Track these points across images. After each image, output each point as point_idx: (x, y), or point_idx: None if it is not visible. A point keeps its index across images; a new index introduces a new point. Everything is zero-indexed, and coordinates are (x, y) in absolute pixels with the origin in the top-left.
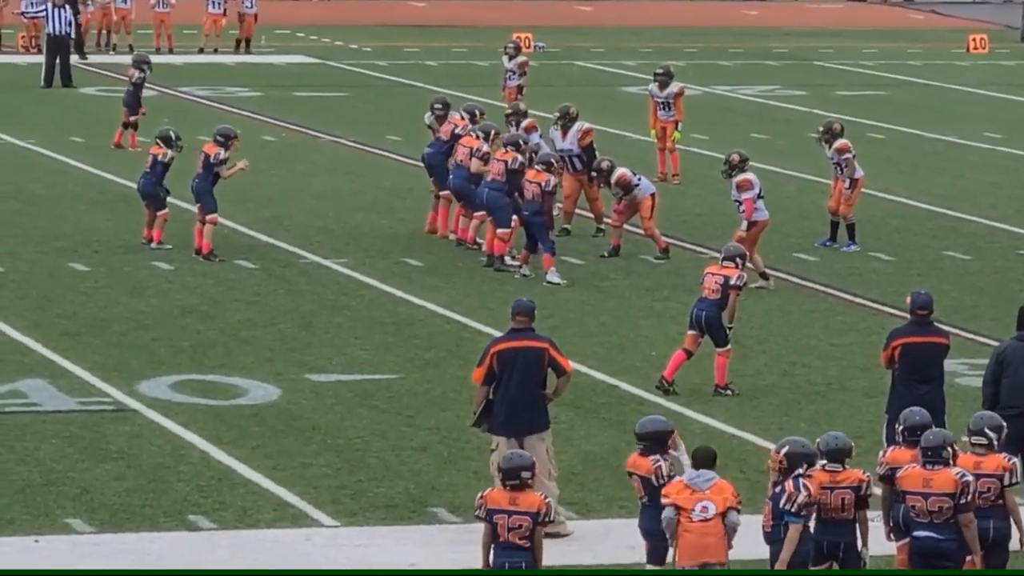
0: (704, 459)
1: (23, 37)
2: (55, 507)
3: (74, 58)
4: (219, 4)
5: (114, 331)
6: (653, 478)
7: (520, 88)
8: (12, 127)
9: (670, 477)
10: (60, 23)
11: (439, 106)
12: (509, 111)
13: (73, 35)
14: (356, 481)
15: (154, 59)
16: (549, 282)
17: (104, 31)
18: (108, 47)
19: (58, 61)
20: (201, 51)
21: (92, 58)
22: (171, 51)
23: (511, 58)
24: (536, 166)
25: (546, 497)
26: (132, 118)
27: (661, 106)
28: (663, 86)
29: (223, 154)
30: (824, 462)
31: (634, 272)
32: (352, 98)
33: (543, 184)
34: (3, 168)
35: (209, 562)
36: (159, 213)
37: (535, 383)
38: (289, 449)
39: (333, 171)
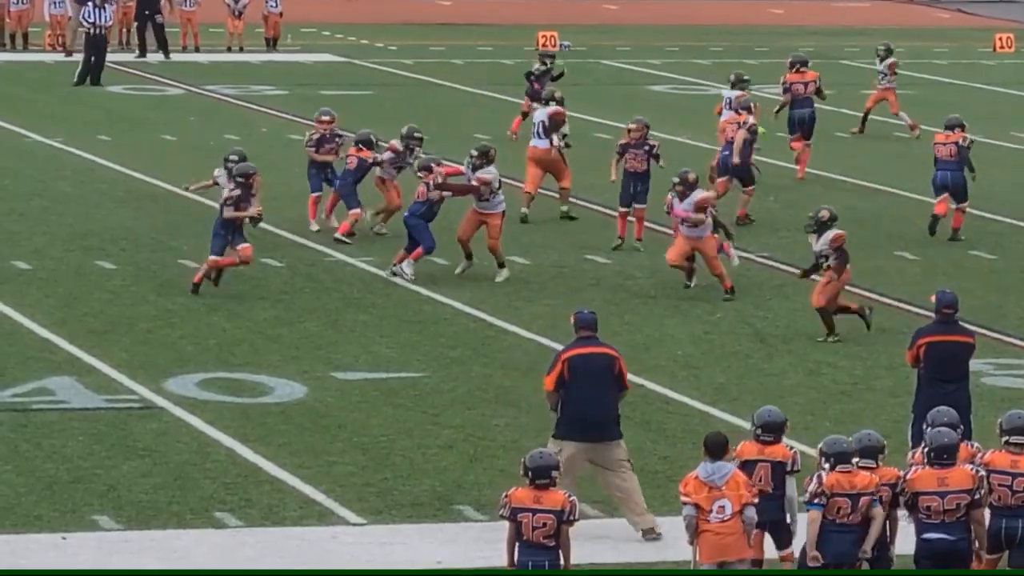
0: (717, 447)
1: (49, 36)
2: (82, 504)
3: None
4: (236, 10)
5: (141, 329)
6: (790, 463)
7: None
8: (39, 125)
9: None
10: (100, 20)
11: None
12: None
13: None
14: (382, 479)
15: (180, 57)
16: (400, 272)
17: (125, 29)
18: (128, 45)
19: (93, 60)
20: (228, 49)
21: (117, 56)
22: (197, 49)
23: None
24: (419, 173)
25: (570, 495)
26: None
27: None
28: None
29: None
30: (857, 460)
31: (659, 271)
32: (378, 96)
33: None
34: (30, 166)
35: (236, 560)
36: (351, 212)
37: (607, 390)
38: (315, 447)
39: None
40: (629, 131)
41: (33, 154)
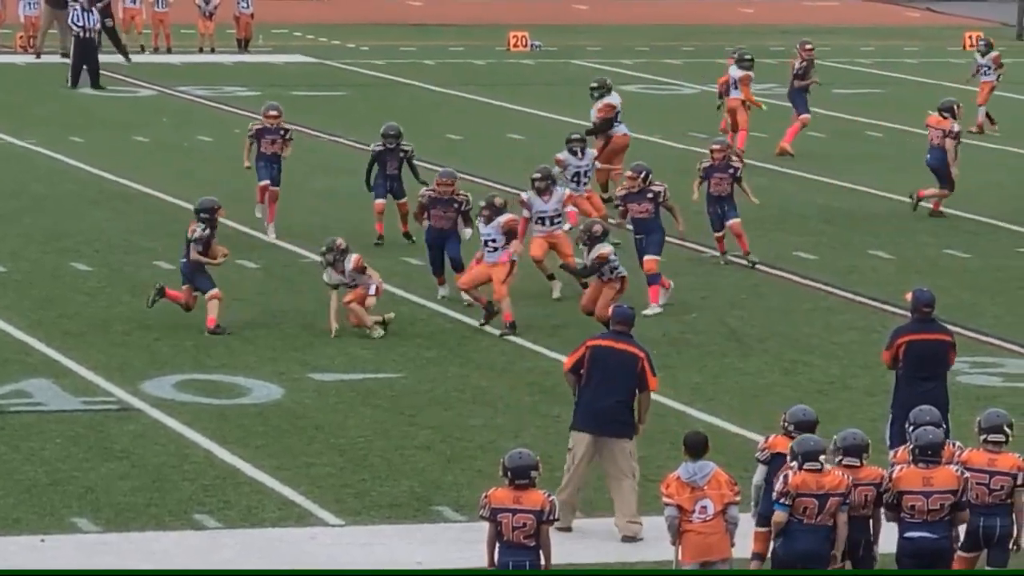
0: (697, 446)
1: (21, 37)
2: (61, 506)
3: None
4: (207, 11)
5: (117, 331)
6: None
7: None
8: (12, 127)
9: None
10: (90, 24)
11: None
12: (574, 135)
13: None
14: (360, 480)
15: (153, 59)
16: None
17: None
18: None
19: (87, 64)
20: (200, 51)
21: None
22: (169, 51)
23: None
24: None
25: (550, 495)
26: None
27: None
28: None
29: (199, 232)
30: (840, 458)
31: (634, 270)
32: (350, 97)
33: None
34: (3, 168)
35: (215, 561)
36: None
37: (625, 388)
38: (293, 448)
39: (332, 170)
40: (712, 152)
41: (6, 156)
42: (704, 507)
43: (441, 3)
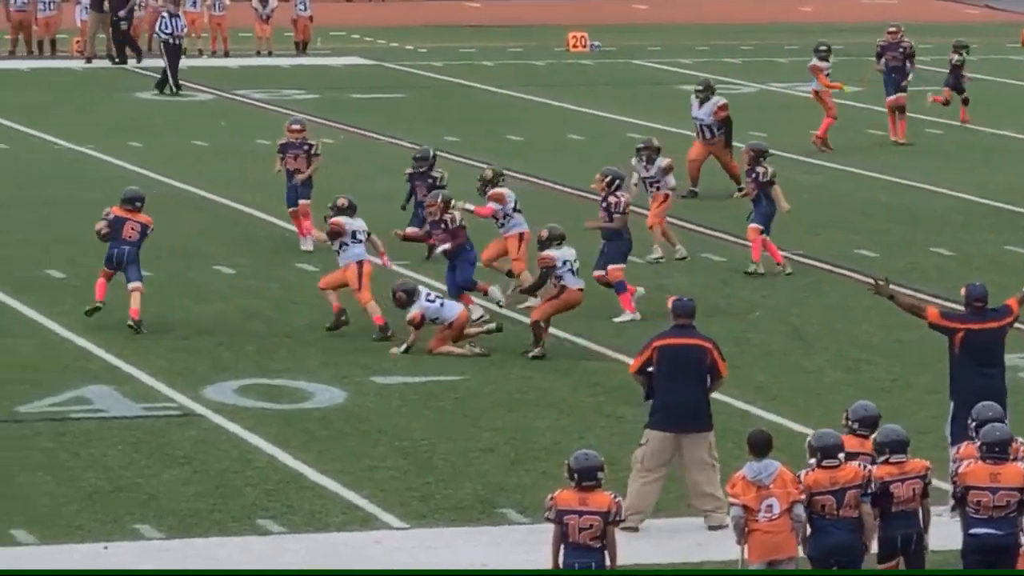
0: (761, 445)
1: (78, 42)
2: (123, 513)
3: (131, 62)
4: (264, 15)
5: (177, 336)
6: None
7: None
8: (69, 132)
9: None
10: (176, 29)
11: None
12: (641, 145)
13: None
14: (424, 483)
15: (211, 63)
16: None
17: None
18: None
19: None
20: (257, 54)
21: (147, 63)
22: (227, 54)
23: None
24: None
25: (616, 496)
26: None
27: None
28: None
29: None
30: (887, 456)
31: (696, 270)
32: (408, 99)
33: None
34: (61, 174)
35: (279, 566)
36: None
37: (699, 382)
38: (356, 452)
39: (391, 172)
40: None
41: (63, 161)
42: (770, 506)
43: (500, 4)
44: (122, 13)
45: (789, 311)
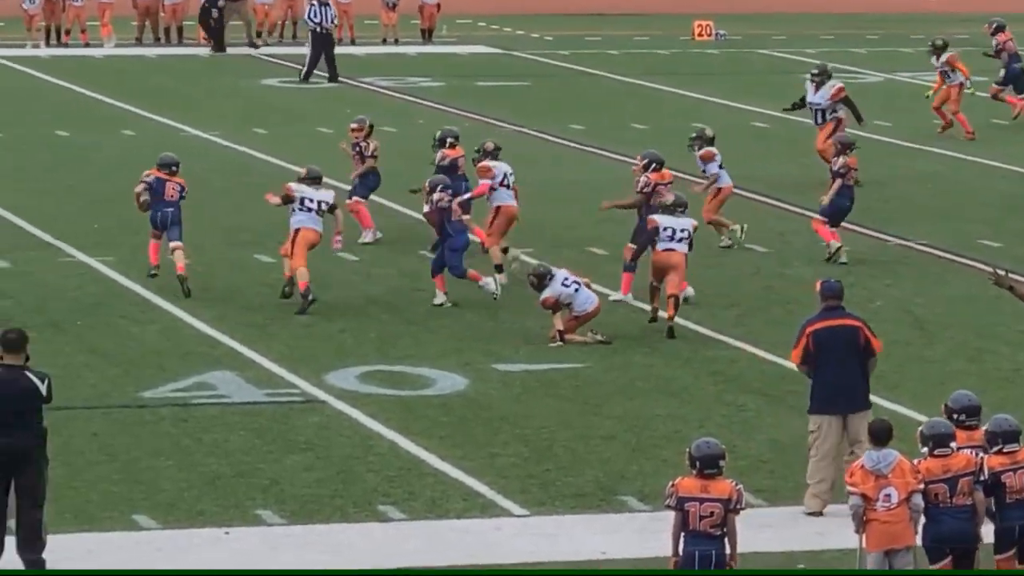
0: (881, 435)
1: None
2: (245, 499)
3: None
4: (390, 2)
5: (300, 322)
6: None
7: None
8: (195, 119)
9: None
10: (326, 19)
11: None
12: (693, 135)
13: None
14: (544, 470)
15: (337, 50)
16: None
17: (291, 22)
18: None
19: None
20: (384, 41)
21: (272, 49)
22: (353, 42)
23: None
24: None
25: (737, 484)
26: None
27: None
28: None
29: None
30: (1000, 445)
31: (819, 259)
32: (533, 87)
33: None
34: (187, 160)
35: (400, 553)
36: None
37: (855, 361)
38: (477, 439)
39: (517, 161)
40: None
41: (190, 148)
42: (888, 495)
43: None
44: (220, 3)
45: (911, 301)
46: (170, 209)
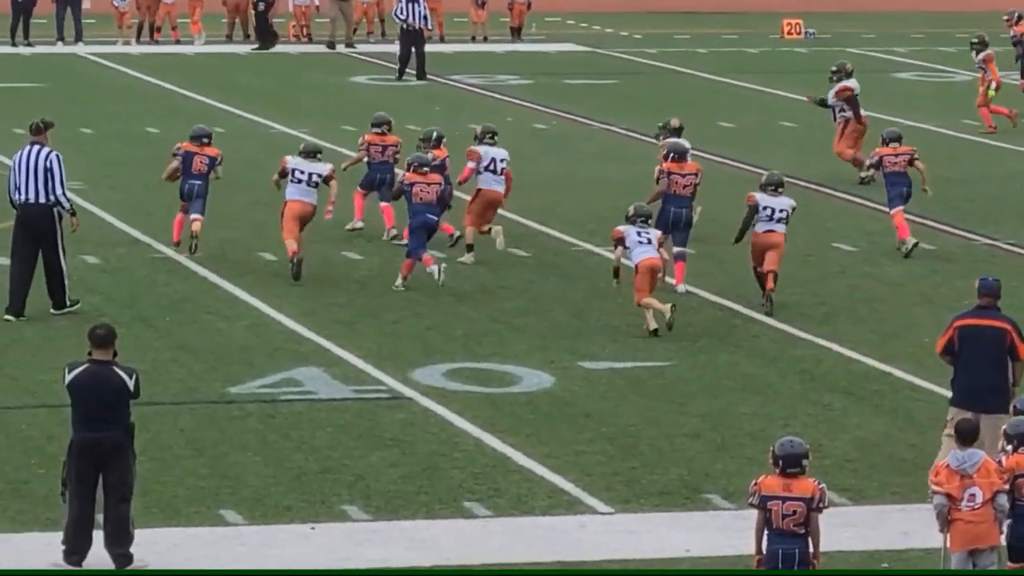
0: (968, 435)
1: (294, 26)
2: (331, 494)
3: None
4: (480, 1)
5: (388, 319)
6: None
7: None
8: (285, 116)
9: None
10: (414, 16)
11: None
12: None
13: (429, 27)
14: (629, 468)
15: (426, 48)
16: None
17: (379, 20)
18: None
19: (413, 52)
20: (472, 39)
21: (362, 47)
22: (442, 39)
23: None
24: (423, 169)
25: (820, 483)
26: None
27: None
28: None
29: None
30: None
31: (907, 258)
32: (622, 85)
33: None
34: (276, 157)
35: (485, 549)
36: None
37: (995, 362)
38: (563, 436)
39: (604, 158)
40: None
41: (278, 145)
42: (972, 495)
43: None
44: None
45: (1004, 300)
46: (197, 182)
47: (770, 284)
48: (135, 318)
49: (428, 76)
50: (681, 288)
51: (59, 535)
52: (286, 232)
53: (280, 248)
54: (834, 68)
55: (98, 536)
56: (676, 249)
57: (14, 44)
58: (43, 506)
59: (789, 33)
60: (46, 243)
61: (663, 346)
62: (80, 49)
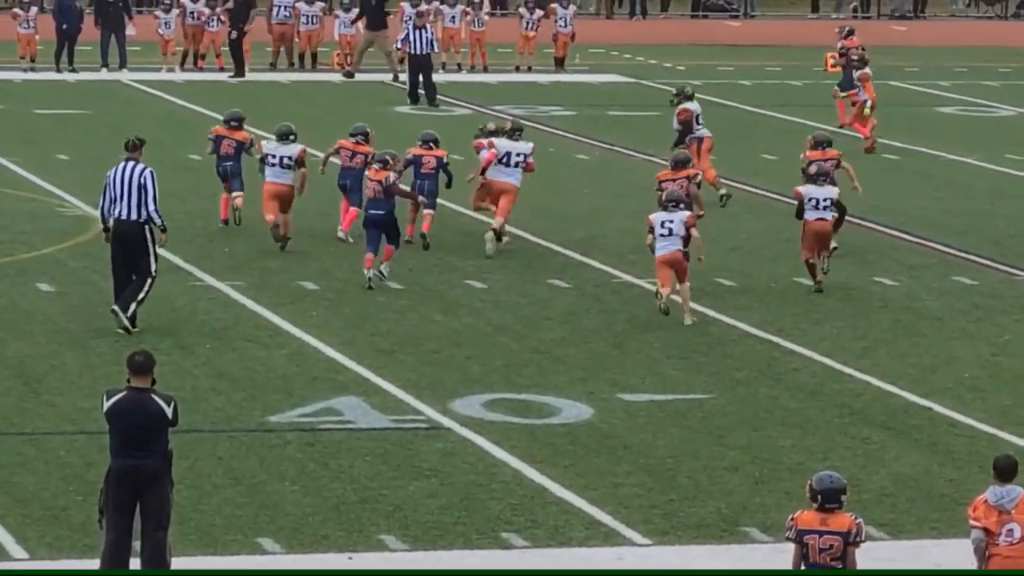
0: (1007, 470)
1: (338, 55)
2: (369, 524)
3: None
4: (532, 24)
5: (428, 349)
6: None
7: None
8: (327, 145)
9: None
10: (421, 43)
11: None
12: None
13: (435, 50)
14: (667, 500)
15: (470, 78)
16: (380, 273)
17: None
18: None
19: (421, 79)
20: (516, 69)
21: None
22: (486, 69)
23: None
24: (374, 165)
25: (857, 518)
26: None
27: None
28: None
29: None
30: None
31: (947, 292)
32: (665, 117)
33: (384, 181)
34: (319, 186)
35: None
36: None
37: None
38: (601, 468)
39: (647, 190)
40: None
41: (322, 174)
42: (1011, 531)
43: (758, 23)
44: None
45: None
46: (229, 163)
47: (818, 277)
48: (175, 345)
49: (471, 106)
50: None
51: (96, 562)
52: (265, 209)
53: (322, 276)
54: (675, 91)
55: (135, 564)
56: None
57: (59, 71)
58: (81, 533)
59: (833, 66)
60: (137, 257)
61: (703, 379)
62: (124, 76)
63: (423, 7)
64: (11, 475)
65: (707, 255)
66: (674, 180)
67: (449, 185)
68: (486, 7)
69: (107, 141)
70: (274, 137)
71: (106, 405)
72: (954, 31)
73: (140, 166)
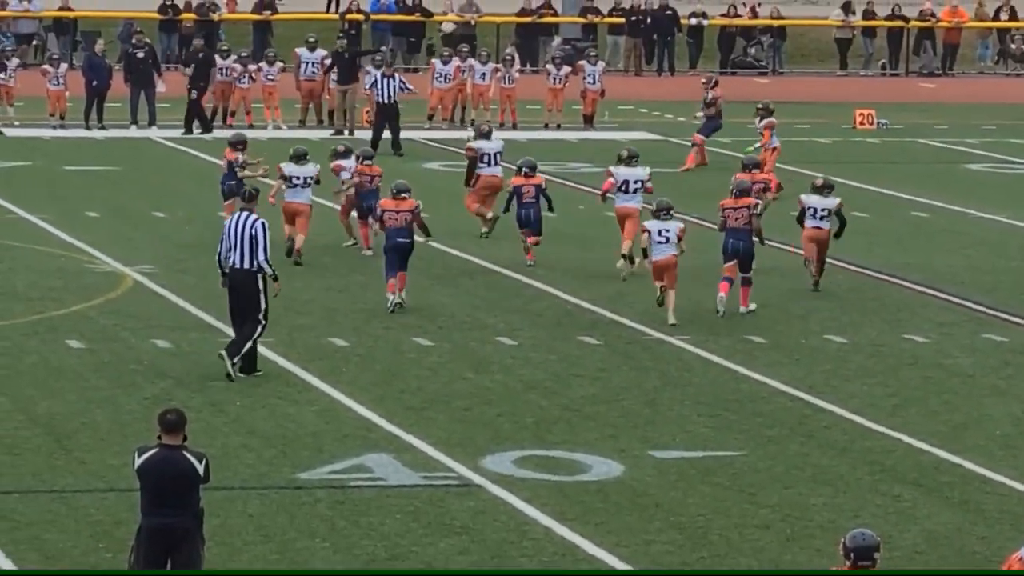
0: None
1: (367, 112)
2: None
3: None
4: (559, 79)
5: (458, 406)
6: None
7: None
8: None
9: None
10: (388, 91)
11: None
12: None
13: (407, 91)
14: (699, 558)
15: (499, 135)
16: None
17: (461, 107)
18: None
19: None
20: (545, 127)
21: (435, 133)
22: (515, 126)
23: None
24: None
25: None
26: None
27: None
28: None
29: (241, 158)
30: None
31: (978, 350)
32: (693, 175)
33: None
34: (339, 241)
35: None
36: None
37: None
38: (632, 525)
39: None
40: None
41: (339, 229)
42: None
43: (787, 80)
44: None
45: None
46: (231, 182)
47: (817, 275)
48: (206, 403)
49: (502, 163)
50: (743, 309)
51: None
52: (285, 228)
53: (352, 333)
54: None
55: None
56: (741, 275)
57: (88, 127)
58: None
59: (862, 124)
60: (249, 306)
61: (734, 436)
62: (153, 133)
63: (456, 63)
64: (41, 532)
65: (738, 313)
66: (735, 208)
67: (551, 209)
68: (517, 64)
69: (136, 198)
70: (291, 159)
71: (137, 462)
72: (982, 88)
73: (253, 216)
